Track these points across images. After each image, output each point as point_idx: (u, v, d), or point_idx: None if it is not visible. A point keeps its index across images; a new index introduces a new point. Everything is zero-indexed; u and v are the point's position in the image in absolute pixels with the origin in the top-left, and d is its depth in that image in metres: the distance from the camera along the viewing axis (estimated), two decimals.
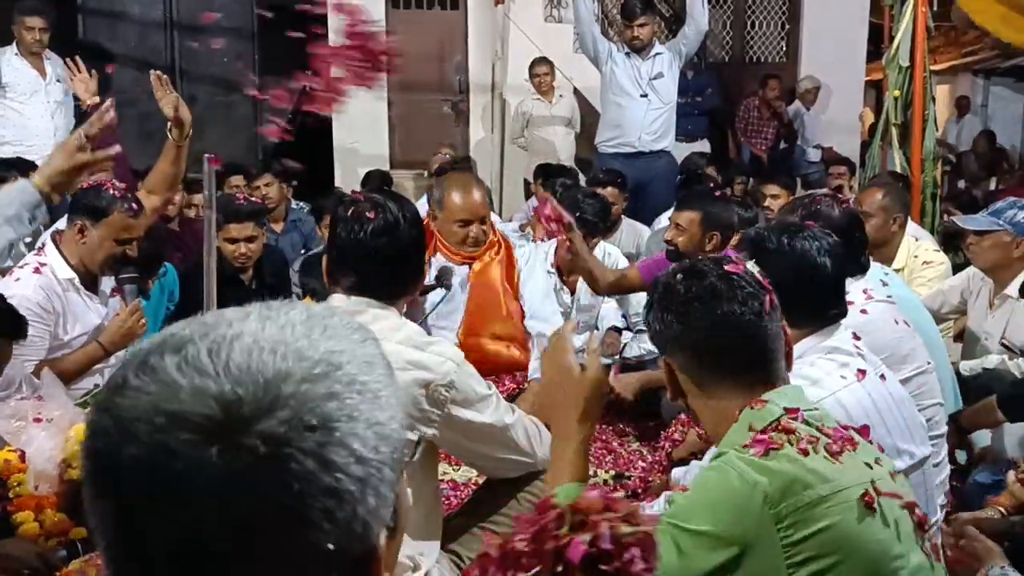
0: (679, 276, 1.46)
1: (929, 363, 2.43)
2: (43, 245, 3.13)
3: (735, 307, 1.39)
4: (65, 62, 4.08)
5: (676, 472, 2.27)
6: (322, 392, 0.61)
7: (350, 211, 1.86)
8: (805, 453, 1.27)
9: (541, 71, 7.23)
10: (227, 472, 0.58)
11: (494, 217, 6.04)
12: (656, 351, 1.67)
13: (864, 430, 1.46)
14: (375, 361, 0.68)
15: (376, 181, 6.21)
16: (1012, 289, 3.32)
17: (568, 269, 3.77)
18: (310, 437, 0.60)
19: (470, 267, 3.17)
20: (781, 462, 1.26)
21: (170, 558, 0.59)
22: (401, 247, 1.85)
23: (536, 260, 3.54)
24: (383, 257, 1.82)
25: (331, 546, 0.61)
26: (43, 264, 2.99)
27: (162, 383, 0.61)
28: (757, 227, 2.06)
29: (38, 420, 2.31)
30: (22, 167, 4.62)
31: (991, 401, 2.72)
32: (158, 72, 3.07)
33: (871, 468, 1.31)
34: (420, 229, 1.92)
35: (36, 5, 5.81)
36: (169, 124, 3.07)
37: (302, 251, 5.09)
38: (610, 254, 3.89)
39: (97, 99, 3.97)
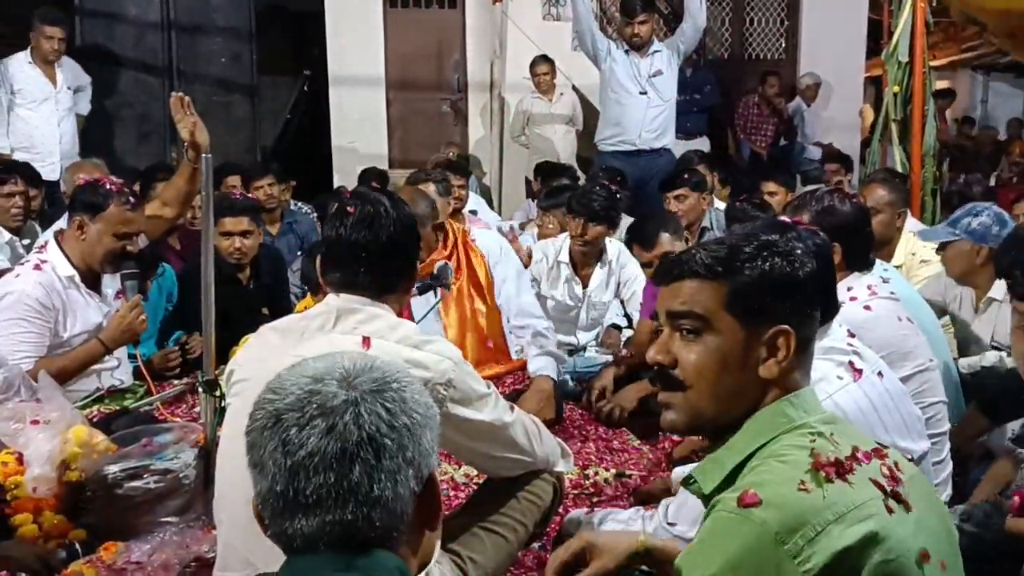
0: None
1: (931, 360, 2.42)
2: (45, 243, 3.13)
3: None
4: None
5: (676, 471, 2.25)
6: (395, 369, 1.08)
7: (335, 207, 1.85)
8: (806, 488, 1.20)
9: (542, 70, 7.22)
10: (351, 399, 1.02)
11: (493, 218, 6.04)
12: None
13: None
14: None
15: (372, 179, 6.20)
16: (996, 291, 3.27)
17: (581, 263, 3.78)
18: (393, 386, 1.05)
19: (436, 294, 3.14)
20: (783, 495, 1.19)
21: (321, 456, 0.98)
22: (383, 241, 1.81)
23: (537, 256, 3.51)
24: (364, 251, 1.79)
25: (411, 454, 1.02)
26: (44, 261, 3.00)
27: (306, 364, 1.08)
28: (744, 225, 2.03)
29: (35, 422, 2.30)
30: (25, 172, 4.64)
31: (973, 410, 2.70)
32: (180, 94, 3.06)
33: (879, 487, 1.24)
34: (407, 226, 1.87)
35: (57, 15, 5.95)
36: (186, 145, 3.07)
37: (299, 252, 5.08)
38: (622, 251, 3.89)
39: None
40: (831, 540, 1.16)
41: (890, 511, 1.21)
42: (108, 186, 3.02)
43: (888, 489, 1.23)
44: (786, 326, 1.31)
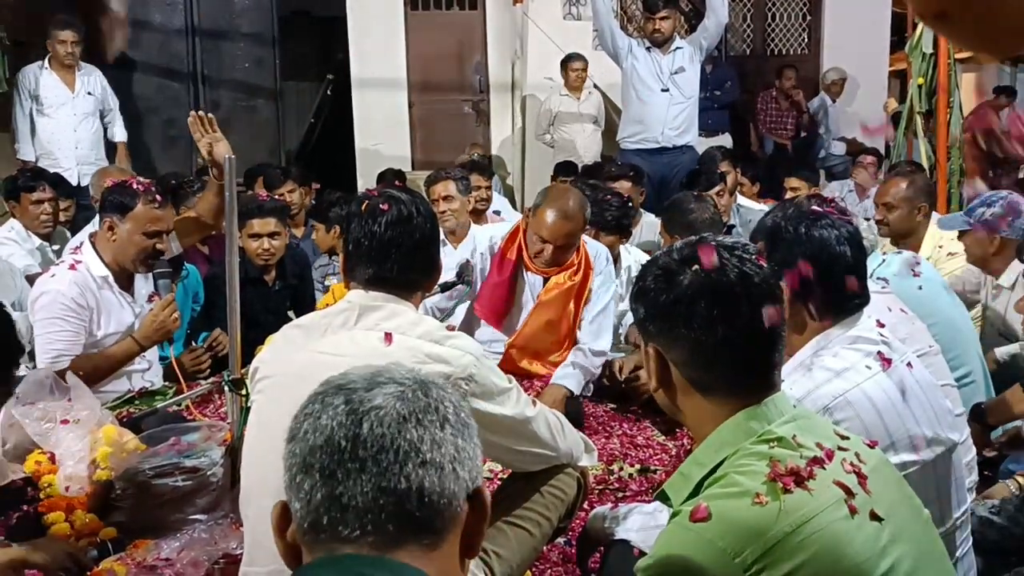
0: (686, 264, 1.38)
1: (931, 346, 2.39)
2: (80, 244, 3.18)
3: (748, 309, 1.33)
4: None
5: None
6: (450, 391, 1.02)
7: (363, 205, 1.87)
8: (760, 501, 1.21)
9: (577, 66, 7.19)
10: (419, 381, 1.00)
11: (517, 218, 6.01)
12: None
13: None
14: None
15: (390, 180, 6.24)
16: (1005, 279, 3.39)
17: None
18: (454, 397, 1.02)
19: (544, 282, 3.17)
20: (734, 508, 1.21)
21: (386, 412, 0.96)
22: (415, 238, 1.86)
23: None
24: (398, 248, 1.84)
25: (467, 451, 0.98)
26: (78, 261, 3.05)
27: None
28: (773, 215, 2.01)
29: (65, 422, 2.34)
30: (52, 180, 4.71)
31: (1017, 389, 2.67)
32: (200, 112, 3.07)
33: (844, 487, 1.25)
34: (433, 223, 1.92)
35: (68, 19, 6.02)
36: (210, 163, 3.09)
37: (323, 254, 5.12)
38: (639, 257, 3.86)
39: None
40: (786, 553, 1.18)
41: (853, 511, 1.23)
42: (135, 186, 3.06)
43: (852, 489, 1.25)
44: (655, 346, 1.40)
